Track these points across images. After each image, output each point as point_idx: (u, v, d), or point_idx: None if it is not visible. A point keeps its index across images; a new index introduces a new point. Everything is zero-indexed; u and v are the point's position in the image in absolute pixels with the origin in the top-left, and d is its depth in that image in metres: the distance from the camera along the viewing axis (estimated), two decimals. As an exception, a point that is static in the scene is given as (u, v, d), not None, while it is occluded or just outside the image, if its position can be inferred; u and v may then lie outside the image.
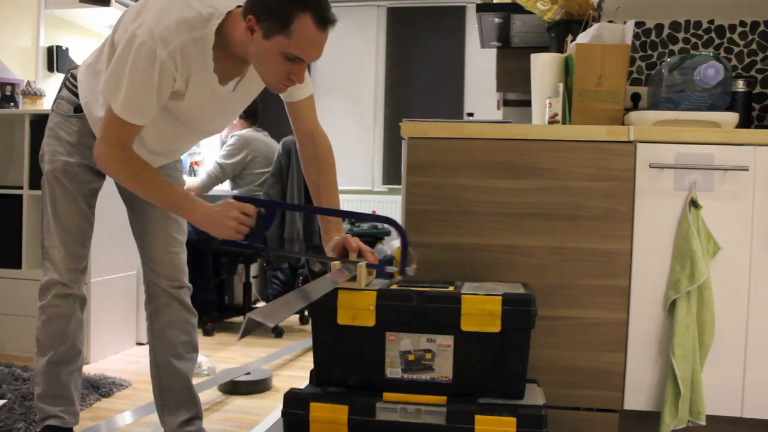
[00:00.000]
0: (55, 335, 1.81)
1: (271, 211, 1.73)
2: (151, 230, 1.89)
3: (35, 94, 3.24)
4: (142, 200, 1.83)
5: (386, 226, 5.20)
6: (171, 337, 1.90)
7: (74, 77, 1.81)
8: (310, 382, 1.59)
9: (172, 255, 1.90)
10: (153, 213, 1.88)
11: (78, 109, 1.78)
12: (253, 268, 4.31)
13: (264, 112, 3.98)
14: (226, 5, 1.59)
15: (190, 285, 1.95)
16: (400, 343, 1.49)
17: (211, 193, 3.92)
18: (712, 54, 2.06)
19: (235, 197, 1.63)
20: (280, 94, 1.77)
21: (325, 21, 1.50)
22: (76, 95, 1.78)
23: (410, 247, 1.63)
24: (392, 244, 5.40)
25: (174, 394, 1.92)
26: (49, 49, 3.67)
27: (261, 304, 4.51)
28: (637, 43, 2.40)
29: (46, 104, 3.32)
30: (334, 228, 1.73)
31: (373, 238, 5.08)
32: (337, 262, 1.63)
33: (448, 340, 1.47)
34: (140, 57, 1.51)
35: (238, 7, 1.59)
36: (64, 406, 1.85)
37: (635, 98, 2.17)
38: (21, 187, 3.12)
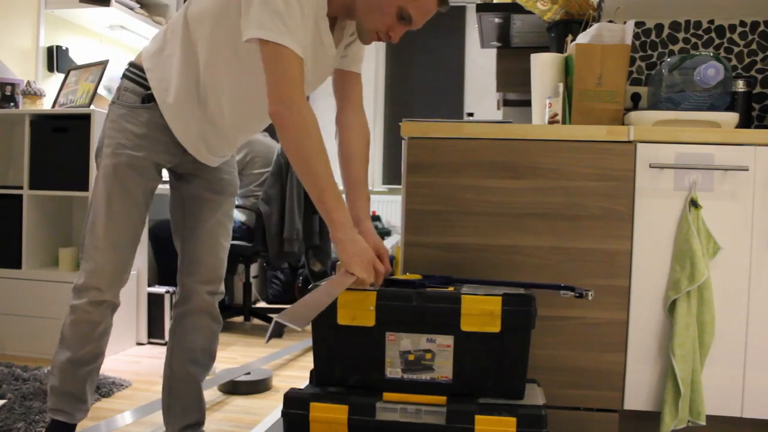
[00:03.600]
0: (80, 337, 1.76)
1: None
2: (200, 232, 1.84)
3: (35, 94, 3.24)
4: (199, 202, 1.81)
5: (386, 226, 5.22)
6: (192, 343, 1.88)
7: (136, 67, 1.72)
8: (310, 382, 1.59)
9: (216, 260, 1.86)
10: (206, 216, 1.84)
11: (145, 99, 1.68)
12: (253, 268, 4.31)
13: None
14: None
15: (224, 291, 1.92)
16: (400, 343, 1.49)
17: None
18: (712, 54, 2.06)
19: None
20: (341, 61, 1.81)
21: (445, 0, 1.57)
22: (143, 86, 1.69)
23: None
24: (393, 242, 5.40)
25: (182, 398, 1.91)
26: (49, 49, 3.67)
27: (261, 304, 4.51)
28: (637, 43, 2.40)
29: (46, 104, 3.32)
30: (364, 221, 1.69)
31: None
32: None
33: (448, 340, 1.47)
34: None
35: None
36: (75, 403, 1.83)
37: (635, 98, 2.18)
38: (21, 187, 3.12)
